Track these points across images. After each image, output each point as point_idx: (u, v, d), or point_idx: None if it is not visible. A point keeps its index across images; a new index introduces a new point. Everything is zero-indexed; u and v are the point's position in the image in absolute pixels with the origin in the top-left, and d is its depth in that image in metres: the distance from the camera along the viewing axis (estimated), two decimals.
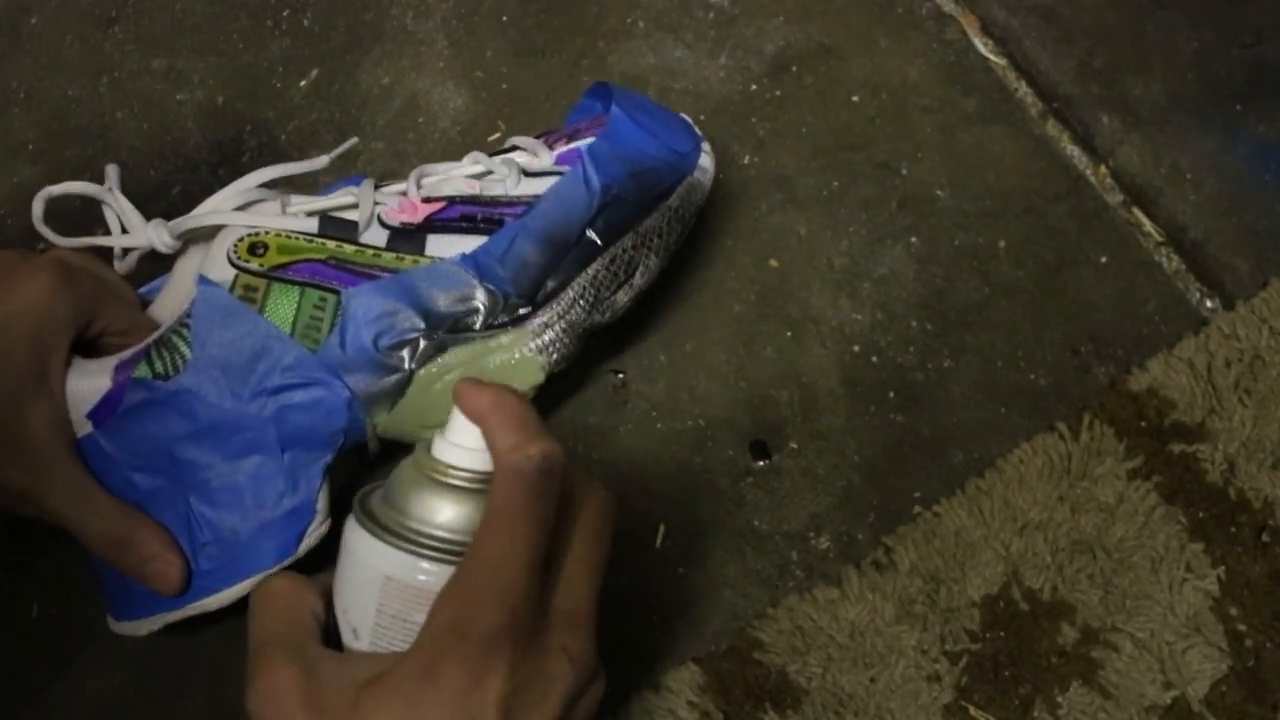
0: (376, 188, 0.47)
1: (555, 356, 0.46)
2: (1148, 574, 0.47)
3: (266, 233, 0.45)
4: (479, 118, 0.59)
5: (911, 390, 0.52)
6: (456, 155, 0.58)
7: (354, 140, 0.51)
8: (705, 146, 0.49)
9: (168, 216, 0.47)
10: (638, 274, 0.47)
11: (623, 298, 0.47)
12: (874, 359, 0.53)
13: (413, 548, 0.33)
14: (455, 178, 0.47)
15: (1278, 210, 0.56)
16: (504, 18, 0.63)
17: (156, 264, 0.48)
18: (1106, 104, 0.59)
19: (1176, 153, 0.57)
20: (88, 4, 0.65)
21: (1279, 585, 0.47)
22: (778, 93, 0.60)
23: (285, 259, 0.44)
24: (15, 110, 0.61)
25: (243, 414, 0.43)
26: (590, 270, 0.46)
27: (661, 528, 0.49)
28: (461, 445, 0.34)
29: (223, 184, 0.56)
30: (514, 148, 0.49)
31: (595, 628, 0.33)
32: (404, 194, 0.47)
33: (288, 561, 0.44)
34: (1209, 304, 0.54)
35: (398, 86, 0.61)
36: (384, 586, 0.33)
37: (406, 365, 0.44)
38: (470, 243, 0.45)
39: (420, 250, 0.45)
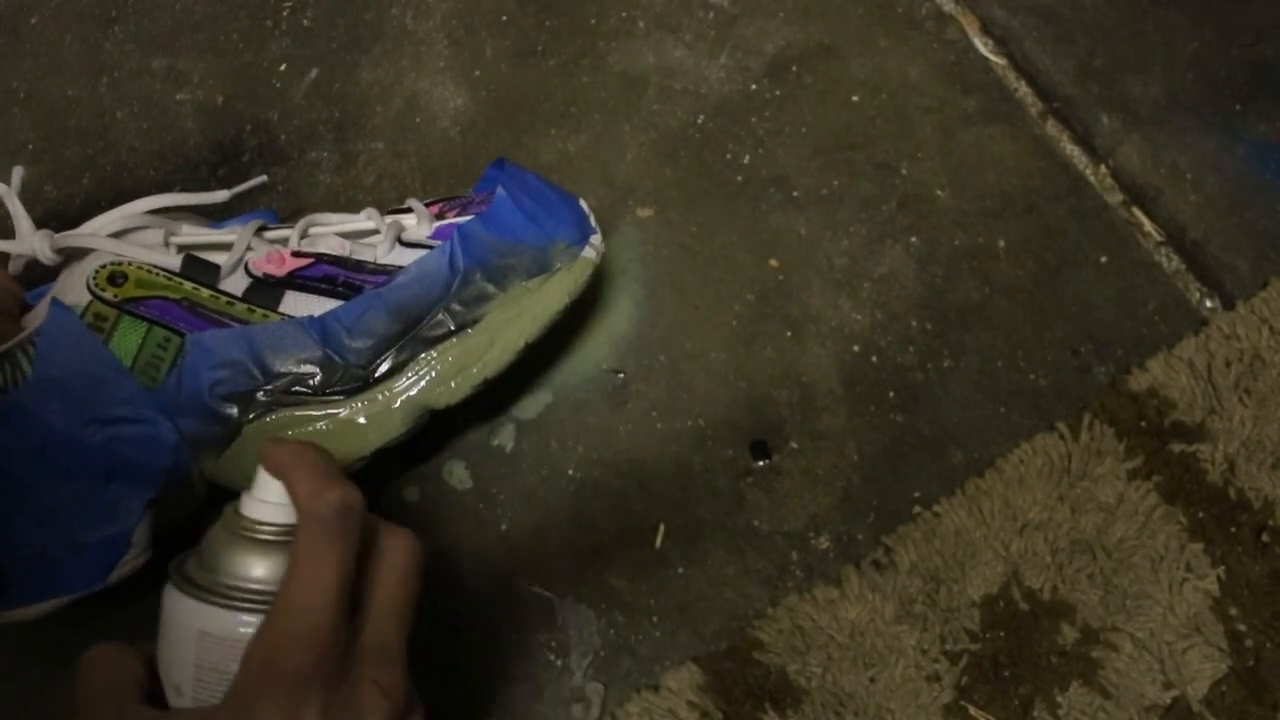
0: (265, 229, 0.47)
1: (387, 431, 0.45)
2: (1148, 574, 0.47)
3: (130, 264, 0.45)
4: (479, 117, 0.60)
5: (911, 390, 0.52)
6: (456, 154, 0.58)
7: (261, 179, 0.51)
8: (594, 239, 0.48)
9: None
10: (488, 362, 0.46)
11: (466, 384, 0.46)
12: (874, 359, 0.53)
13: (225, 601, 0.34)
14: (329, 235, 0.47)
15: (1278, 210, 0.56)
16: (504, 18, 0.63)
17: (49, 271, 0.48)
18: (1106, 104, 0.59)
19: (1176, 153, 0.58)
20: (88, 4, 0.65)
21: (1279, 585, 0.47)
22: (778, 93, 0.60)
23: (140, 293, 0.44)
24: (15, 110, 0.61)
25: (73, 439, 0.42)
26: (436, 350, 0.45)
27: (661, 528, 0.49)
28: (267, 501, 0.36)
29: (223, 184, 0.57)
30: (408, 209, 0.48)
31: (405, 662, 0.34)
32: (284, 241, 0.47)
33: (96, 588, 0.43)
34: (1209, 304, 0.54)
35: (398, 86, 0.61)
36: (199, 641, 0.34)
37: (237, 417, 0.44)
38: (324, 305, 0.45)
39: (274, 306, 0.45)
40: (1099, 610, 0.47)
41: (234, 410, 0.44)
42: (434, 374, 0.45)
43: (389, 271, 0.46)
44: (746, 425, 0.51)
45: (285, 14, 0.64)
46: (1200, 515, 0.48)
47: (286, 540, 0.35)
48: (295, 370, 0.44)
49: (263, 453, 0.36)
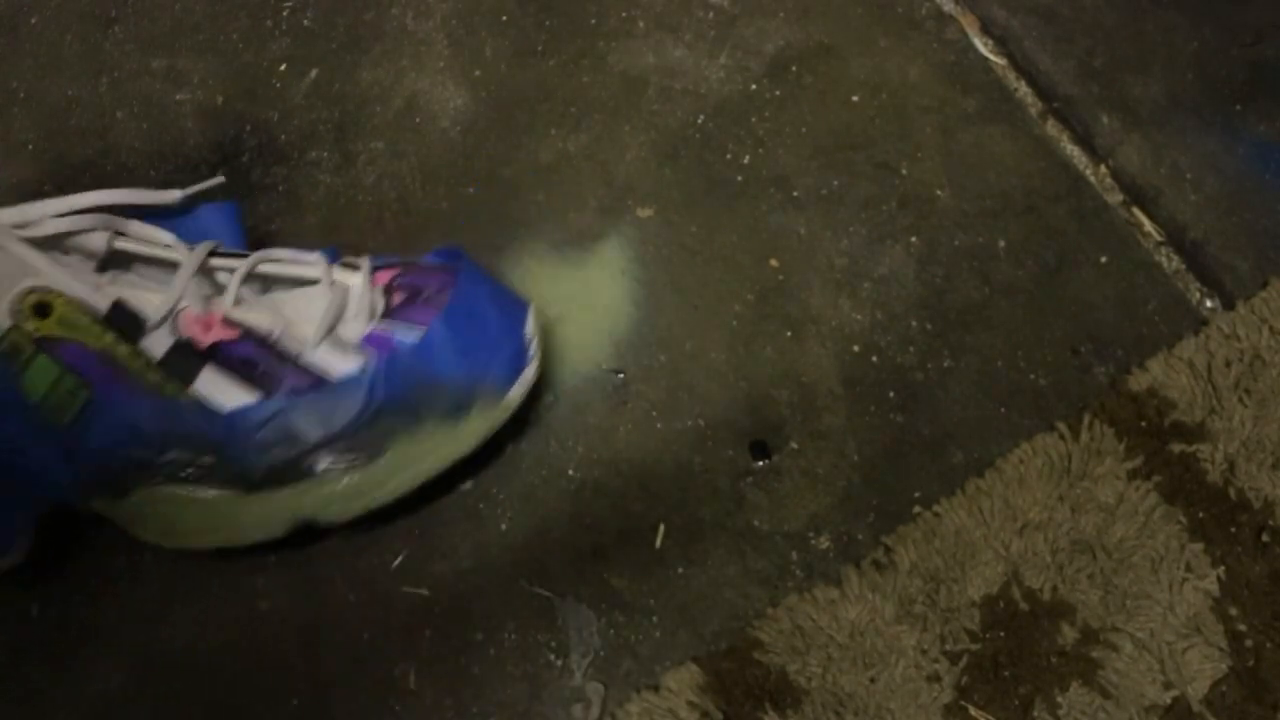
0: (215, 255, 0.46)
1: (267, 531, 0.45)
2: (1148, 574, 0.47)
3: (58, 295, 0.43)
4: (479, 117, 0.60)
5: (911, 390, 0.52)
6: (456, 154, 0.58)
7: (218, 180, 0.49)
8: (527, 371, 0.47)
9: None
10: (380, 494, 0.46)
11: (355, 509, 0.46)
12: (874, 359, 0.53)
13: None
14: (260, 308, 0.45)
15: (1278, 210, 0.56)
16: (504, 18, 0.63)
17: None
18: (1106, 104, 0.59)
19: (1176, 153, 0.58)
20: (88, 4, 0.65)
21: (1279, 585, 0.47)
22: (778, 93, 0.60)
23: (61, 333, 0.43)
24: (15, 110, 0.61)
25: None
26: (334, 472, 0.45)
27: (661, 528, 0.49)
28: None
29: (222, 184, 0.57)
30: (355, 267, 0.47)
31: None
32: (230, 271, 0.45)
33: None
34: (1209, 304, 0.54)
35: (398, 86, 0.61)
36: None
37: (129, 480, 0.44)
38: (237, 395, 0.44)
39: (189, 380, 0.44)
40: (1099, 610, 0.47)
41: (128, 474, 0.44)
42: (326, 493, 0.45)
43: (311, 376, 0.44)
44: (746, 425, 0.51)
45: (285, 14, 0.64)
46: (1200, 515, 0.48)
47: None
48: (193, 457, 0.44)
49: None
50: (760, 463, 0.51)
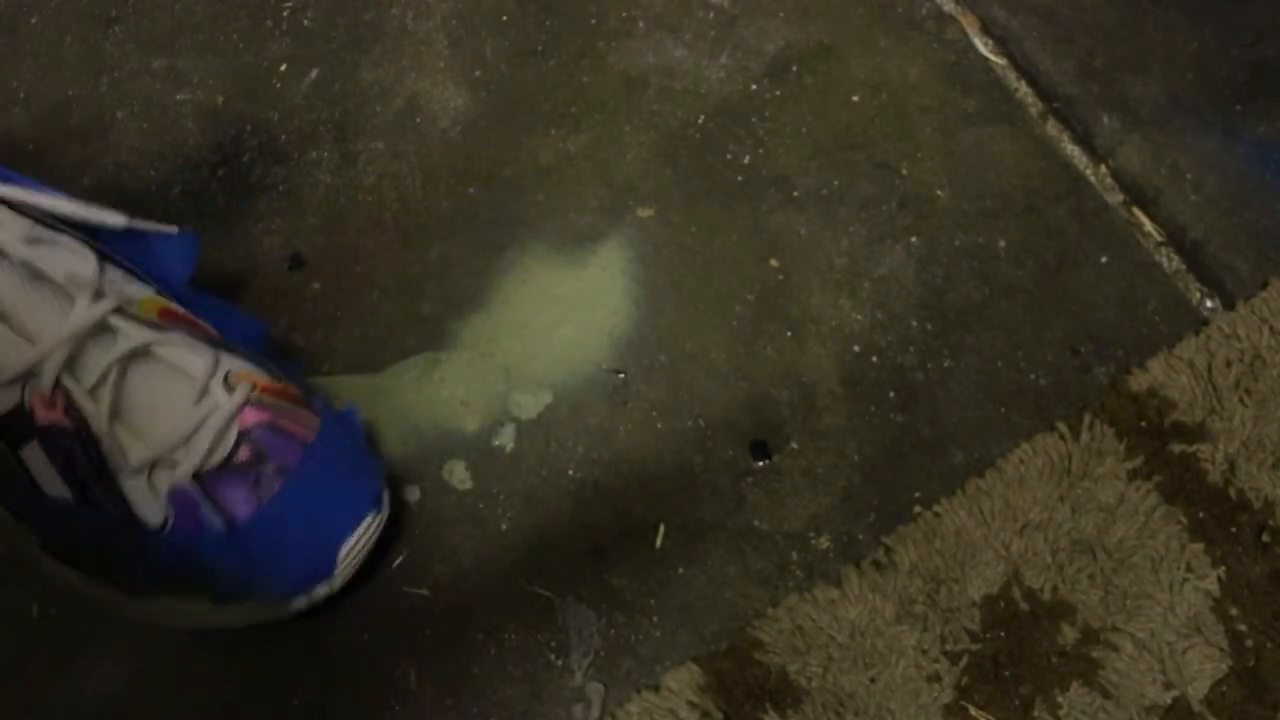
0: (118, 313, 0.41)
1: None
2: (1148, 574, 0.47)
3: None
4: (479, 117, 0.59)
5: (911, 390, 0.52)
6: (456, 155, 0.58)
7: (173, 229, 0.46)
8: (320, 590, 0.44)
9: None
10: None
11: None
12: (874, 359, 0.53)
13: None
14: (114, 392, 0.41)
15: (1278, 210, 0.56)
16: (504, 18, 0.63)
17: None
18: (1106, 104, 0.59)
19: (1176, 153, 0.58)
20: (88, 4, 0.65)
21: (1279, 585, 0.47)
22: (778, 93, 0.60)
23: None
24: (15, 110, 0.61)
25: None
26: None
27: (661, 528, 0.49)
28: None
29: (222, 184, 0.57)
30: (234, 390, 0.43)
31: None
32: (75, 359, 0.40)
33: None
34: (1209, 304, 0.54)
35: (398, 86, 0.61)
36: None
37: None
38: (52, 483, 0.41)
39: (17, 446, 0.40)
40: (1099, 610, 0.47)
41: None
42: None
43: (113, 503, 0.41)
44: (746, 425, 0.51)
45: (285, 14, 0.64)
46: (1200, 515, 0.48)
47: None
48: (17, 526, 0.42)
49: None
50: (760, 463, 0.51)
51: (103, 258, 0.42)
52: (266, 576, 0.42)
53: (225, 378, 0.43)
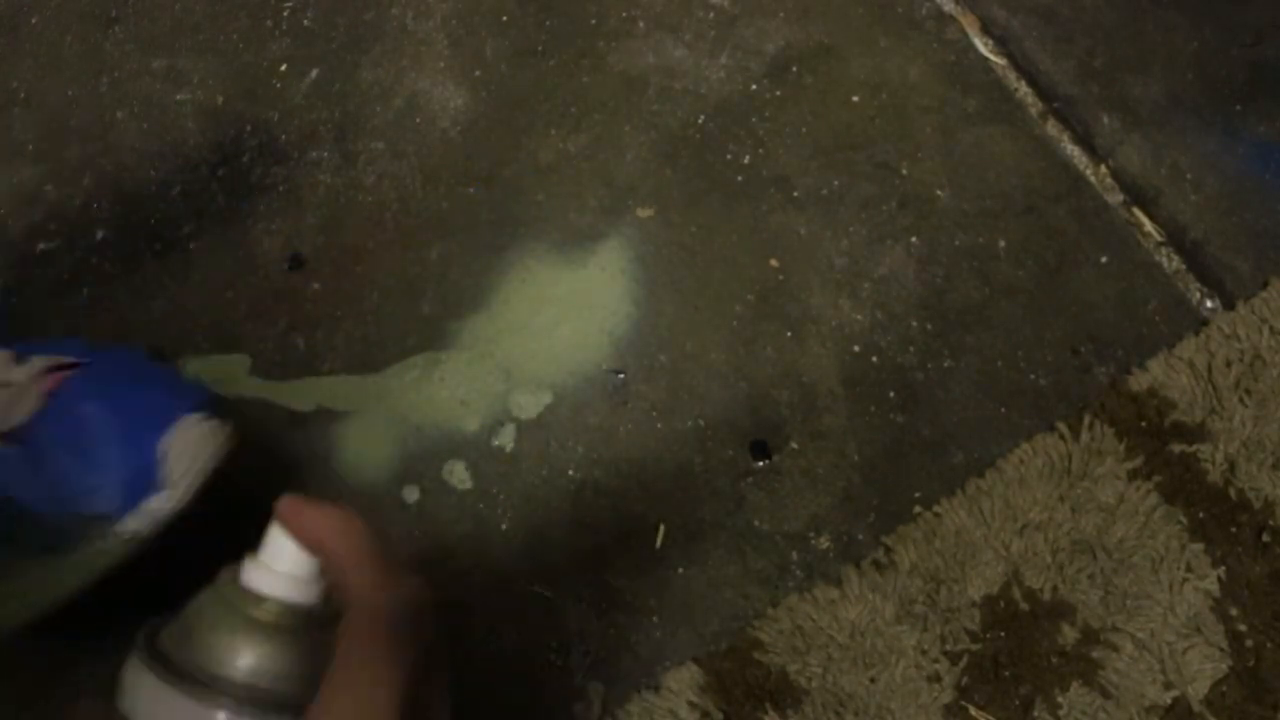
0: None
1: None
2: (1148, 574, 0.47)
3: None
4: (479, 117, 0.59)
5: (911, 390, 0.52)
6: (457, 154, 0.58)
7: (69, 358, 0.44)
8: (154, 500, 0.40)
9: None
10: None
11: None
12: (874, 359, 0.53)
13: (231, 701, 0.26)
14: None
15: (1278, 210, 0.56)
16: (504, 18, 0.63)
17: None
18: (1106, 104, 0.59)
19: (1176, 153, 0.57)
20: (88, 4, 0.65)
21: (1279, 585, 0.47)
22: (778, 93, 0.60)
23: None
24: (15, 110, 0.61)
25: None
26: None
27: (661, 528, 0.49)
28: (285, 574, 0.28)
29: (222, 184, 0.57)
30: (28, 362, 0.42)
31: None
32: None
33: None
34: (1209, 304, 0.54)
35: (398, 86, 0.61)
36: None
37: None
38: None
39: None
40: (1099, 610, 0.47)
41: None
42: None
43: None
44: (746, 425, 0.51)
45: (285, 14, 0.63)
46: (1200, 515, 0.48)
47: (299, 627, 0.27)
48: None
49: (286, 513, 0.27)
50: (760, 463, 0.50)
51: None
52: (79, 488, 0.39)
53: (19, 360, 0.42)
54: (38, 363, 0.42)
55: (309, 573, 0.28)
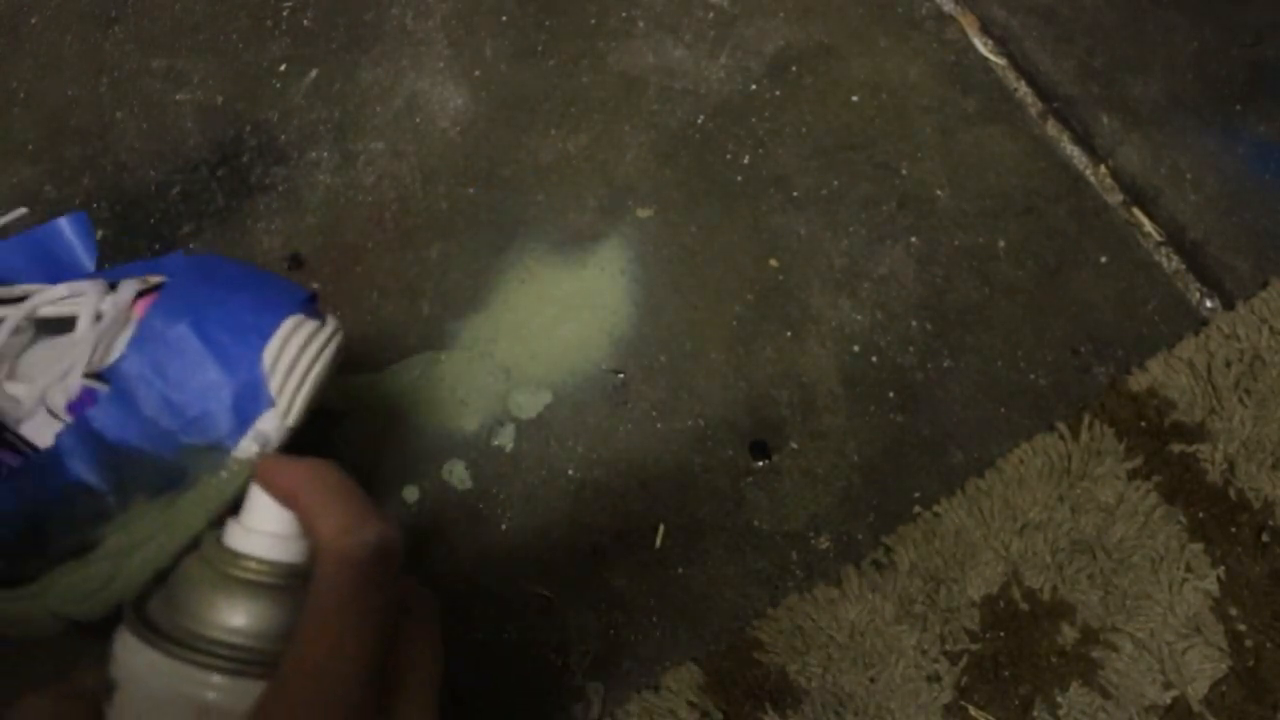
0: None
1: (37, 629, 0.39)
2: (1148, 574, 0.47)
3: None
4: (479, 117, 0.59)
5: (911, 390, 0.52)
6: (456, 155, 0.58)
7: (20, 211, 0.43)
8: (265, 419, 0.37)
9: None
10: (115, 590, 0.38)
11: (101, 606, 0.38)
12: (874, 359, 0.53)
13: (220, 662, 0.26)
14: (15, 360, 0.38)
15: (1278, 210, 0.56)
16: (504, 18, 0.63)
17: None
18: (1106, 104, 0.59)
19: (1176, 153, 0.57)
20: (88, 4, 0.65)
21: (1279, 585, 0.47)
22: (778, 93, 0.60)
23: None
24: (15, 110, 0.61)
25: None
26: (61, 569, 0.38)
27: (661, 528, 0.49)
28: (265, 532, 0.27)
29: (222, 184, 0.57)
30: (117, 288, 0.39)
31: None
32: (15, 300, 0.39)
33: None
34: (1209, 304, 0.54)
35: (397, 86, 0.61)
36: (201, 717, 0.26)
37: None
38: None
39: None
40: (1099, 610, 0.47)
41: None
42: (67, 592, 0.39)
43: (25, 449, 0.38)
44: (746, 425, 0.51)
45: (285, 14, 0.63)
46: (1200, 515, 0.48)
47: (286, 585, 0.27)
48: None
49: (261, 470, 0.27)
50: (760, 463, 0.51)
51: None
52: (182, 418, 0.36)
53: (114, 288, 0.40)
54: (126, 289, 0.39)
55: (291, 529, 0.27)
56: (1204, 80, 0.59)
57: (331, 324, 0.41)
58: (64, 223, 0.44)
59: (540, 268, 0.55)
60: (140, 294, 0.40)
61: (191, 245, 0.56)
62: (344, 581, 0.25)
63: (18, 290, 0.41)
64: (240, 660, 0.26)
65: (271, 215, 0.57)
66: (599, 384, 0.52)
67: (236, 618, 0.27)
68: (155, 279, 0.41)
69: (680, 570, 0.48)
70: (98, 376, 0.38)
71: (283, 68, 0.62)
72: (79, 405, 0.37)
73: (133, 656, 0.27)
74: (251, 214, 0.57)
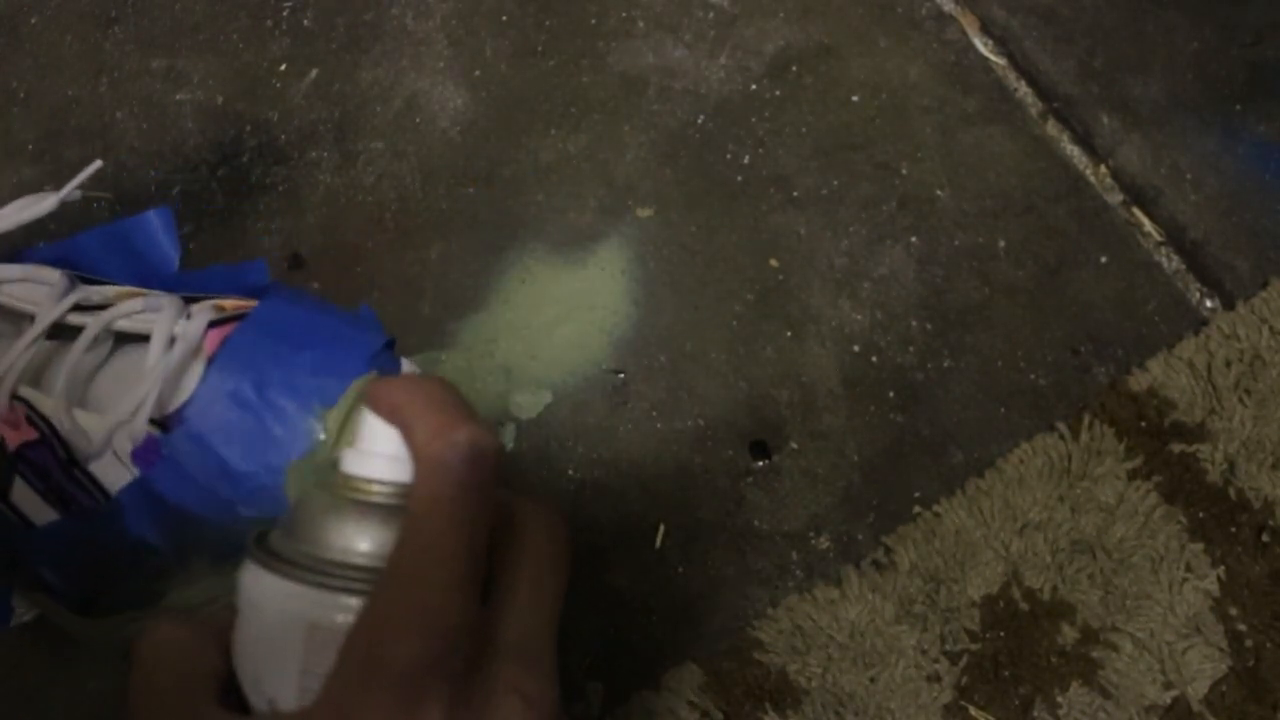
0: (79, 309, 0.37)
1: (116, 650, 0.39)
2: (1148, 574, 0.47)
3: None
4: (479, 117, 0.59)
5: (911, 390, 0.52)
6: (457, 155, 0.58)
7: (96, 164, 0.40)
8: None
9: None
10: None
11: None
12: (874, 359, 0.53)
13: (339, 584, 0.26)
14: (46, 399, 0.36)
15: (1278, 210, 0.56)
16: (504, 18, 0.63)
17: None
18: (1106, 104, 0.59)
19: (1176, 153, 0.57)
20: (88, 4, 0.65)
21: (1279, 585, 0.47)
22: (778, 93, 0.60)
23: None
24: (15, 110, 0.61)
25: None
26: (130, 612, 0.38)
27: (661, 528, 0.49)
28: (379, 454, 0.27)
29: (222, 184, 0.57)
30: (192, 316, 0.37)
31: (555, 668, 0.27)
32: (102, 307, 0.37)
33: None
34: (1209, 304, 0.54)
35: (397, 86, 0.61)
36: (309, 638, 0.25)
37: None
38: (44, 511, 0.36)
39: (6, 490, 0.36)
40: (1099, 610, 0.47)
41: None
42: (134, 630, 0.38)
43: (95, 493, 0.36)
44: (746, 425, 0.51)
45: (285, 14, 0.63)
46: (1200, 515, 0.48)
47: (399, 505, 0.27)
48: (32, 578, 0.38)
49: (369, 394, 0.27)
50: (760, 463, 0.51)
51: (70, 280, 0.39)
52: (240, 489, 0.35)
53: (188, 315, 0.38)
54: (200, 318, 0.37)
55: (405, 449, 0.26)
56: (1204, 80, 0.59)
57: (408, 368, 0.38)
58: (151, 216, 0.42)
59: (540, 267, 0.55)
60: (212, 323, 0.38)
61: (191, 245, 0.56)
62: (434, 484, 0.25)
63: (96, 296, 0.39)
64: (363, 580, 0.26)
65: (271, 215, 0.57)
66: (599, 384, 0.52)
67: (372, 543, 0.26)
68: (230, 304, 0.39)
69: (680, 570, 0.48)
70: (163, 422, 0.36)
71: (283, 68, 0.62)
72: (142, 455, 0.36)
73: (255, 584, 0.27)
74: (251, 214, 0.57)
